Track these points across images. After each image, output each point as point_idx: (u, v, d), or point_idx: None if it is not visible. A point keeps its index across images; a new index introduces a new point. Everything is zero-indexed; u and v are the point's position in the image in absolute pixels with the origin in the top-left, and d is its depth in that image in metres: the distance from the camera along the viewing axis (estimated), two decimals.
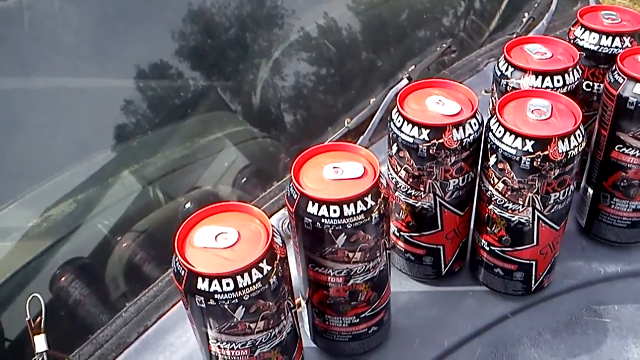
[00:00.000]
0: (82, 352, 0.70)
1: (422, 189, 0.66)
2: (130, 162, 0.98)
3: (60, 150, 0.95)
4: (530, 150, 0.60)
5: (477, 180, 0.68)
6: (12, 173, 0.90)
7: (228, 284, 0.51)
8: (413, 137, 0.63)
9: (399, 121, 0.64)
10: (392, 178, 0.68)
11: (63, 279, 0.84)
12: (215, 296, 0.51)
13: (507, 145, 0.61)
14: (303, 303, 0.67)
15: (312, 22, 1.18)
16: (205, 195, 0.99)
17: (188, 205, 0.95)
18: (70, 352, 0.70)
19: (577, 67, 0.71)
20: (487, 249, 0.70)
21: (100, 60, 1.04)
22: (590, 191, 0.76)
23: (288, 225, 0.78)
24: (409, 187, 0.67)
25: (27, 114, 0.95)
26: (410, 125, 0.63)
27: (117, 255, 0.86)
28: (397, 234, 0.73)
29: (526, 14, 1.21)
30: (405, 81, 0.93)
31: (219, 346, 0.55)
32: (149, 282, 0.76)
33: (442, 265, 0.73)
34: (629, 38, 0.76)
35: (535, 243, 0.66)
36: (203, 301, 0.51)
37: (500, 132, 0.62)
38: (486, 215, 0.67)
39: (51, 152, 0.92)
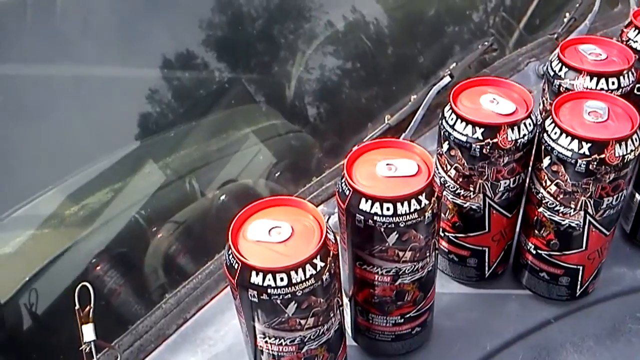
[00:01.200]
0: (122, 342, 0.70)
1: (471, 189, 0.65)
2: (166, 153, 0.98)
3: (96, 139, 0.95)
4: (587, 152, 0.59)
5: (528, 182, 0.67)
6: (49, 160, 0.90)
7: (282, 279, 0.50)
8: (466, 135, 0.62)
9: (452, 119, 0.63)
10: (441, 177, 0.67)
11: (99, 267, 0.84)
12: (269, 291, 0.50)
13: (562, 147, 0.60)
14: (346, 301, 0.67)
15: (349, 17, 1.18)
16: (240, 188, 0.99)
17: (223, 198, 0.95)
18: (109, 342, 0.70)
19: (632, 70, 0.70)
20: (534, 252, 0.68)
21: (134, 51, 1.04)
22: (638, 197, 0.74)
23: (327, 221, 0.77)
24: (458, 186, 0.66)
25: (64, 102, 0.95)
26: (463, 123, 0.62)
27: (154, 247, 0.86)
28: (442, 234, 0.72)
29: (567, 14, 1.19)
30: (447, 79, 0.91)
31: (266, 341, 0.55)
32: (187, 274, 0.76)
33: (486, 268, 0.72)
34: None
35: (584, 248, 0.65)
36: (256, 295, 0.51)
37: (556, 133, 0.61)
38: (535, 218, 0.66)
39: (89, 141, 0.93)
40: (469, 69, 1.00)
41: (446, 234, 0.71)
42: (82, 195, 0.89)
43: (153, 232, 0.85)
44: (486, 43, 1.04)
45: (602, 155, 0.59)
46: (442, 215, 0.70)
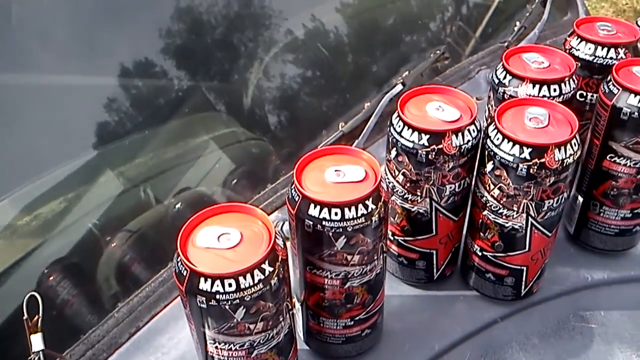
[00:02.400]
0: (74, 351, 0.70)
1: (419, 193, 0.67)
2: (121, 161, 0.97)
3: (51, 148, 0.94)
4: (528, 157, 0.61)
5: (473, 186, 0.69)
6: (1, 170, 0.89)
7: (230, 285, 0.51)
8: (413, 142, 0.64)
9: (399, 126, 0.65)
10: (389, 182, 0.69)
11: (52, 278, 0.83)
12: (217, 296, 0.51)
13: (504, 152, 0.62)
14: (297, 305, 0.68)
15: (305, 26, 1.19)
16: (195, 196, 0.98)
17: (178, 206, 0.95)
18: (60, 352, 0.70)
19: (573, 77, 0.72)
20: (480, 254, 0.71)
21: (91, 59, 1.03)
22: (580, 199, 0.77)
23: (281, 227, 0.78)
24: (405, 191, 0.67)
25: (18, 111, 0.93)
26: (410, 130, 0.64)
27: (107, 255, 0.85)
28: (391, 238, 0.73)
29: (517, 23, 1.22)
30: (400, 87, 0.93)
31: (216, 347, 0.55)
32: (140, 283, 0.76)
33: (435, 270, 0.73)
34: (623, 49, 0.77)
35: (527, 249, 0.68)
36: (204, 301, 0.51)
37: (498, 139, 0.63)
38: (480, 220, 0.68)
39: (41, 150, 0.91)
40: (422, 77, 1.02)
41: (395, 237, 0.72)
42: (35, 205, 0.87)
43: (107, 241, 0.85)
44: (438, 51, 1.06)
45: (542, 160, 0.61)
46: (392, 219, 0.71)
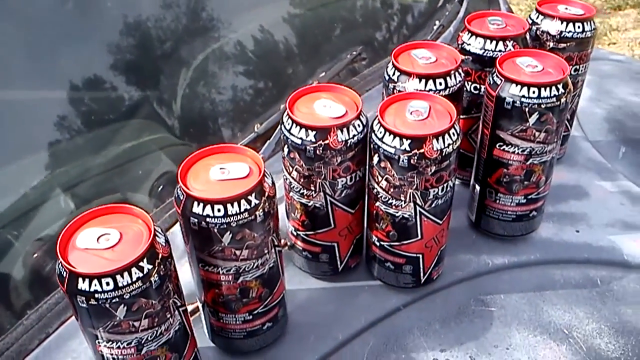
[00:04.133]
0: None
1: (312, 188, 0.69)
2: (44, 170, 0.98)
3: None
4: (407, 148, 0.64)
5: (366, 179, 0.71)
6: None
7: (108, 283, 0.52)
8: (301, 139, 0.66)
9: (289, 124, 0.67)
10: (286, 179, 0.71)
11: None
12: (96, 295, 0.52)
13: (387, 144, 0.65)
14: (200, 306, 0.69)
15: (230, 32, 1.21)
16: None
17: None
18: None
19: (459, 70, 0.75)
20: (378, 244, 0.73)
21: (18, 66, 1.03)
22: (478, 188, 0.80)
23: None
24: (301, 187, 0.70)
25: None
26: (298, 127, 0.66)
27: (23, 264, 0.85)
28: (295, 233, 0.75)
29: (437, 22, 1.26)
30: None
31: (105, 345, 0.56)
32: (51, 290, 0.76)
33: (338, 262, 0.76)
34: (511, 42, 0.81)
35: (419, 237, 0.70)
36: (84, 301, 0.52)
37: (381, 132, 0.65)
38: (374, 212, 0.71)
39: None
40: (338, 77, 1.05)
41: (298, 232, 0.75)
42: None
43: (24, 250, 0.85)
44: (354, 52, 1.09)
45: (422, 150, 0.64)
46: (292, 214, 0.74)
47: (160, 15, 1.21)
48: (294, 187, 0.70)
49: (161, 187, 1.07)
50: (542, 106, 0.71)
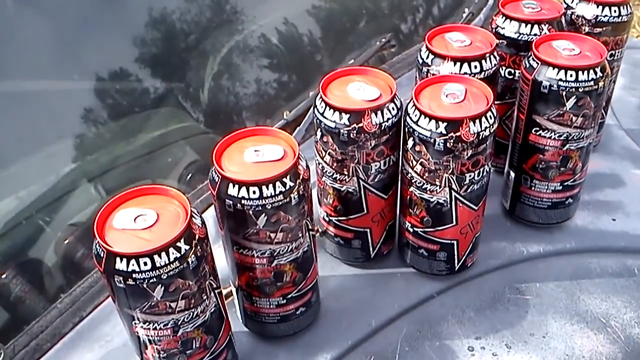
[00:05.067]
0: (17, 342, 0.71)
1: (346, 173, 0.68)
2: (74, 158, 0.99)
3: (5, 147, 0.95)
4: (444, 132, 0.63)
5: (399, 163, 0.70)
6: None
7: (145, 263, 0.52)
8: (334, 122, 0.65)
9: (322, 107, 0.66)
10: (319, 164, 0.71)
11: (3, 275, 0.84)
12: (134, 275, 0.52)
13: (422, 127, 0.64)
14: (234, 290, 0.69)
15: (257, 21, 1.20)
16: None
17: None
18: (4, 344, 0.71)
19: (494, 54, 0.74)
20: (411, 230, 0.72)
21: (46, 59, 1.04)
22: (512, 174, 0.79)
23: None
24: (334, 171, 0.69)
25: None
26: (331, 110, 0.65)
27: (56, 250, 0.86)
28: (327, 219, 0.75)
29: (466, 10, 1.24)
30: None
31: (142, 327, 0.56)
32: (83, 274, 0.77)
33: (371, 248, 0.75)
34: (547, 26, 0.79)
35: (454, 223, 0.69)
36: (122, 281, 0.53)
37: (416, 115, 0.64)
38: (408, 197, 0.70)
39: None
40: (367, 64, 1.04)
41: (331, 218, 0.74)
42: None
43: (55, 235, 0.86)
44: (384, 39, 1.08)
45: (458, 133, 0.63)
46: (325, 200, 0.73)
47: (187, 8, 1.21)
48: (326, 171, 0.70)
49: (190, 174, 1.07)
50: (580, 90, 0.69)
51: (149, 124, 1.10)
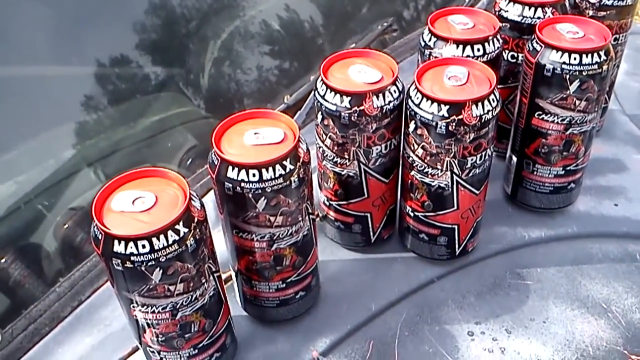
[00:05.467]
0: (16, 326, 0.71)
1: (346, 156, 0.68)
2: (74, 143, 0.98)
3: (2, 132, 0.94)
4: (446, 114, 0.62)
5: (401, 147, 0.70)
6: None
7: (144, 246, 0.51)
8: (335, 104, 0.64)
9: (323, 90, 0.66)
10: (320, 147, 0.70)
11: (2, 260, 0.84)
12: (132, 258, 0.52)
13: (424, 110, 0.63)
14: (233, 274, 0.69)
15: (258, 5, 1.19)
16: None
17: None
18: (1, 328, 0.71)
19: (497, 37, 0.73)
20: (412, 215, 0.72)
21: (45, 45, 1.03)
22: (514, 159, 0.78)
23: None
24: (334, 155, 0.68)
25: None
26: (332, 93, 0.65)
27: (55, 234, 0.86)
28: (327, 203, 0.74)
29: None
30: None
31: (140, 310, 0.56)
32: (82, 258, 0.76)
33: (371, 233, 0.75)
34: (550, 9, 0.78)
35: (455, 207, 0.69)
36: (120, 264, 0.52)
37: (418, 98, 0.64)
38: (409, 181, 0.69)
39: None
40: (369, 49, 1.03)
41: (331, 202, 0.73)
42: None
43: (53, 220, 0.86)
44: (385, 23, 1.07)
45: (460, 116, 0.62)
46: (325, 184, 0.73)
47: None
48: (327, 155, 0.69)
49: (190, 159, 1.06)
50: (584, 73, 0.69)
51: (150, 109, 1.10)
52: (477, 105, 0.62)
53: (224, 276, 0.67)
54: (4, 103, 0.94)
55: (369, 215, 0.73)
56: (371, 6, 1.24)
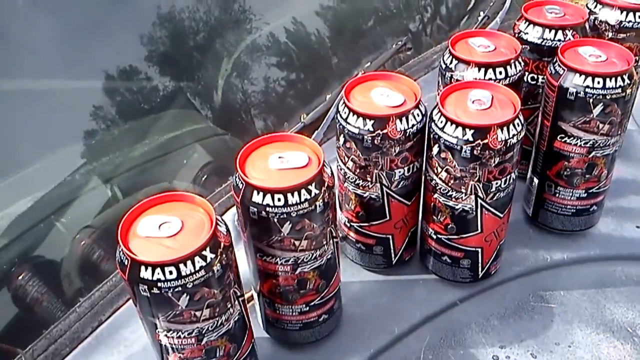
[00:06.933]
0: (36, 347, 0.70)
1: (369, 179, 0.67)
2: (90, 160, 0.98)
3: (19, 148, 0.94)
4: (471, 139, 0.62)
5: (423, 170, 0.69)
6: None
7: (171, 272, 0.51)
8: (358, 128, 0.64)
9: (345, 113, 0.66)
10: (341, 169, 0.70)
11: (20, 277, 0.84)
12: (159, 284, 0.51)
13: (448, 134, 0.63)
14: (255, 295, 0.68)
15: (271, 22, 1.20)
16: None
17: None
18: (22, 348, 0.70)
19: (519, 59, 0.73)
20: (435, 237, 0.71)
21: (61, 60, 1.04)
22: (536, 181, 0.78)
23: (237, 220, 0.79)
24: (356, 177, 0.68)
25: None
26: (355, 116, 0.65)
27: (73, 252, 0.86)
28: (348, 225, 0.74)
29: (482, 13, 1.23)
30: None
31: (166, 335, 0.56)
32: (102, 278, 0.76)
33: (392, 255, 0.74)
34: (571, 31, 0.78)
35: (479, 230, 0.68)
36: (147, 290, 0.52)
37: (442, 122, 0.63)
38: (432, 204, 0.69)
39: (10, 150, 0.92)
40: (384, 67, 1.03)
41: (352, 224, 0.73)
42: (2, 205, 0.88)
43: (71, 238, 0.86)
44: (400, 42, 1.07)
45: (485, 141, 0.62)
46: (346, 206, 0.72)
47: (202, 9, 1.21)
48: (349, 177, 0.69)
49: (205, 176, 1.07)
50: (607, 97, 0.68)
51: (164, 125, 1.10)
52: (502, 130, 0.62)
53: (245, 296, 0.67)
54: (20, 119, 0.94)
55: (390, 237, 0.72)
56: (385, 24, 1.24)
